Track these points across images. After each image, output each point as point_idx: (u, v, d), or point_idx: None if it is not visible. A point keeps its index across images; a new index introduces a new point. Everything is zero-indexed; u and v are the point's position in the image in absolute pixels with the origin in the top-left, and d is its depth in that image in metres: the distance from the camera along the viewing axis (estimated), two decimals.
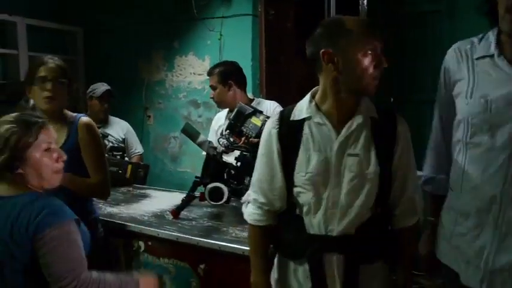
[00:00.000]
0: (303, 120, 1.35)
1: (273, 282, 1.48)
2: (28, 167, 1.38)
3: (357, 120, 1.31)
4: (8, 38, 3.74)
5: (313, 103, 1.35)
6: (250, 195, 1.49)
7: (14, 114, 1.43)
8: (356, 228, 1.32)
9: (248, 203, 1.50)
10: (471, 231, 1.34)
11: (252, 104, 2.42)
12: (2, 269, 1.34)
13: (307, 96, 1.38)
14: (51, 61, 1.83)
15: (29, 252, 1.32)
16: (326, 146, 1.31)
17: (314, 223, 1.33)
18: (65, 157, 1.47)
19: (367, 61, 1.24)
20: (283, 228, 1.43)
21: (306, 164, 1.32)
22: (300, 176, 1.33)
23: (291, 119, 1.37)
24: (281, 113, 1.42)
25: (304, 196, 1.34)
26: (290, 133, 1.36)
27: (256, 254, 1.48)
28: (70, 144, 1.82)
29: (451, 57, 1.42)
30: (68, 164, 1.51)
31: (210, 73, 2.63)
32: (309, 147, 1.33)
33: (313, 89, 1.39)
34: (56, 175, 1.45)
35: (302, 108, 1.36)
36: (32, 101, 1.66)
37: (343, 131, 1.31)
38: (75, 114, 1.93)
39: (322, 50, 1.26)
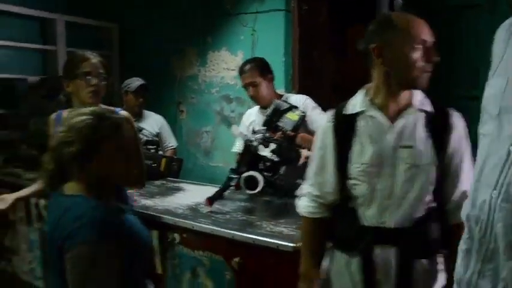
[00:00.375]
0: (357, 114, 1.37)
1: (324, 273, 1.48)
2: (97, 163, 1.28)
3: (411, 112, 1.33)
4: (47, 34, 3.87)
5: (368, 98, 1.37)
6: (303, 188, 1.51)
7: (91, 108, 1.39)
8: (411, 221, 1.32)
9: (302, 196, 1.52)
10: (464, 244, 1.14)
11: (281, 99, 2.42)
12: (54, 261, 1.31)
13: (361, 91, 1.41)
14: (93, 57, 1.89)
15: (56, 256, 1.24)
16: (380, 138, 1.33)
17: (368, 215, 1.34)
18: (134, 158, 1.39)
19: (415, 55, 1.26)
20: (337, 221, 1.44)
21: (361, 156, 1.34)
22: (355, 167, 1.35)
23: (345, 113, 1.39)
24: (335, 108, 1.45)
25: (359, 188, 1.35)
26: (344, 127, 1.38)
27: (308, 246, 1.50)
28: None
29: (496, 39, 1.23)
30: None
31: (243, 71, 2.54)
32: (363, 140, 1.34)
33: (367, 84, 1.41)
34: (124, 176, 1.35)
35: (356, 103, 1.39)
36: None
37: (397, 123, 1.32)
38: (111, 108, 1.98)
39: (373, 45, 1.30)
